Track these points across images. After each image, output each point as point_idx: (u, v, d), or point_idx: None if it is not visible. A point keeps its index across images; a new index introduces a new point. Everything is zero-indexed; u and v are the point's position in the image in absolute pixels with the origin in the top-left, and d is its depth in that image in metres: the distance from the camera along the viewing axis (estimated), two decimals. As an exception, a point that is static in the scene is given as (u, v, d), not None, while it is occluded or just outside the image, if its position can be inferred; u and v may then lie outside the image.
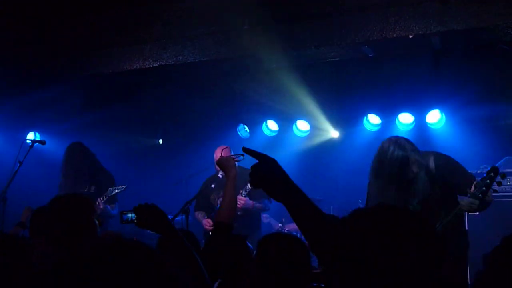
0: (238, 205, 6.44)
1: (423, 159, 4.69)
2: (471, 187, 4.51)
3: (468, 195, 4.46)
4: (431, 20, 5.24)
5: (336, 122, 8.68)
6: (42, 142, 6.87)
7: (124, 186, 6.52)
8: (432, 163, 4.73)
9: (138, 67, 6.60)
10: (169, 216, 6.79)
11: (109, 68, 6.70)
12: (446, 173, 4.72)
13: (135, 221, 3.14)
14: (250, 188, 6.47)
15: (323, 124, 8.80)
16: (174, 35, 6.37)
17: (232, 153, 6.82)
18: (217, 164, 4.01)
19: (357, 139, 8.65)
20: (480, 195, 4.42)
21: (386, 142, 4.72)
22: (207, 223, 6.65)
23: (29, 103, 8.10)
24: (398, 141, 4.68)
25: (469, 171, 4.84)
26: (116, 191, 6.49)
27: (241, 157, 4.08)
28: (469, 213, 5.26)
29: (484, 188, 4.43)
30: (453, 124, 7.94)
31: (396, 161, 4.60)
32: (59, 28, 6.87)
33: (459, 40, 5.52)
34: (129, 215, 3.32)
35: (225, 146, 6.81)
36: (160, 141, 9.97)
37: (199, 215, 6.86)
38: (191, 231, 4.05)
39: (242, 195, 6.49)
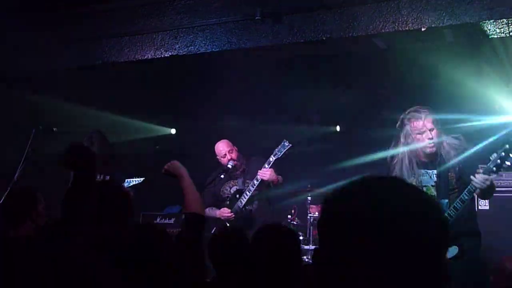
0: (264, 177, 6.39)
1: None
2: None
3: (481, 170, 4.39)
4: (444, 13, 5.20)
5: (348, 114, 8.65)
6: (52, 129, 6.90)
7: (141, 179, 6.55)
8: (457, 140, 4.77)
9: (149, 57, 6.61)
10: (179, 207, 6.84)
11: (120, 57, 6.72)
12: (467, 159, 4.69)
13: None
14: (272, 160, 6.45)
15: (334, 116, 8.78)
16: (185, 25, 6.37)
17: (231, 146, 6.84)
18: (165, 174, 3.70)
19: (369, 132, 8.61)
20: (494, 169, 4.35)
21: None
22: (225, 211, 6.60)
23: (41, 91, 8.14)
24: None
25: (479, 165, 4.81)
26: (133, 183, 6.52)
27: None
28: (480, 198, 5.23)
29: (498, 161, 4.34)
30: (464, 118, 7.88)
31: None
32: (70, 16, 6.91)
33: (471, 32, 5.47)
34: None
35: (223, 140, 6.86)
36: (173, 130, 10.01)
37: (210, 210, 6.67)
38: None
39: (266, 167, 6.46)
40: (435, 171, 4.77)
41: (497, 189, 6.48)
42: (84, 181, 2.83)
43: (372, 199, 1.31)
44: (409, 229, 1.26)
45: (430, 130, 4.72)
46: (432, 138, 4.71)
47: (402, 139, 4.86)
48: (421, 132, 4.74)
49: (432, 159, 4.82)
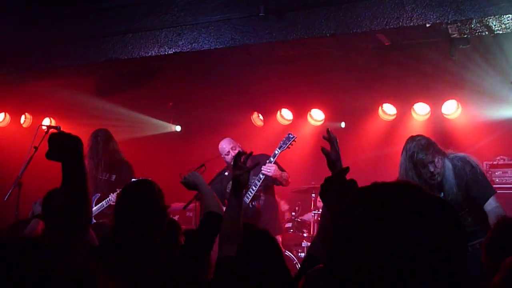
0: (268, 173, 6.37)
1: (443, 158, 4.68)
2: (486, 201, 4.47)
3: None
4: (448, 9, 5.16)
5: (351, 111, 8.63)
6: (56, 128, 6.90)
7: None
8: (457, 167, 4.69)
9: (153, 54, 6.59)
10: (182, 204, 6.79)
11: (124, 55, 6.70)
12: (468, 182, 4.65)
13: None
14: (277, 153, 6.42)
15: (338, 113, 8.76)
16: (189, 22, 6.36)
17: (234, 143, 6.81)
18: (185, 185, 3.76)
19: (372, 129, 8.60)
20: None
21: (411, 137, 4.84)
22: None
23: (45, 88, 8.15)
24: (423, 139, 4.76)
25: (485, 162, 4.75)
26: None
27: (203, 167, 4.27)
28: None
29: None
30: (469, 114, 7.86)
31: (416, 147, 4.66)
32: (73, 13, 6.90)
33: (476, 28, 5.43)
34: None
35: (226, 138, 6.84)
36: (178, 128, 10.01)
37: None
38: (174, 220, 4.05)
39: (270, 162, 6.43)
40: (442, 194, 4.68)
41: (502, 186, 6.48)
42: (70, 172, 2.57)
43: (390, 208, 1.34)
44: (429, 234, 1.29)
45: (431, 163, 4.67)
46: (433, 172, 4.67)
47: (407, 172, 4.76)
48: (424, 167, 4.68)
49: (438, 185, 4.76)
